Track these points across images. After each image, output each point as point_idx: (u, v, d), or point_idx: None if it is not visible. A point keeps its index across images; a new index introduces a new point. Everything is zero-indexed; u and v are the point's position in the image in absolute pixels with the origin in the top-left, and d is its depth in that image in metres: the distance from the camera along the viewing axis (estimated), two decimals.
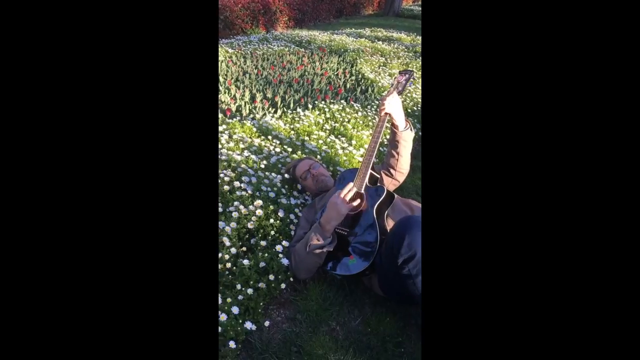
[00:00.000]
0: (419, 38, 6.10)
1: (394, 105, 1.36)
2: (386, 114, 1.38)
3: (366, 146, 2.15)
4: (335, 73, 3.67)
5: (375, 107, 2.80)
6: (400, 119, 1.39)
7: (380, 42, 5.40)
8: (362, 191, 1.27)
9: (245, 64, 3.72)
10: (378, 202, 1.25)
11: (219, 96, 2.73)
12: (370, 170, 1.30)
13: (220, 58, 3.90)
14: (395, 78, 1.52)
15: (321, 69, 3.70)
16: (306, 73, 3.57)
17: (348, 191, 1.22)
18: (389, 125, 1.47)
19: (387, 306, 1.26)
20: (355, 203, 1.25)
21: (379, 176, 1.40)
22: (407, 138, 1.41)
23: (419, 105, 2.95)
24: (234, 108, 2.63)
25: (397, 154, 1.43)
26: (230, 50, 4.24)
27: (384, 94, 3.13)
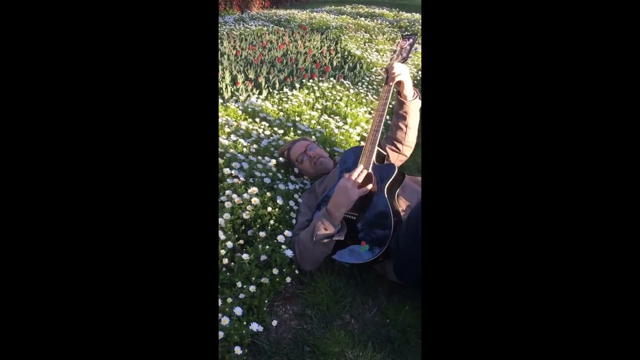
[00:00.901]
0: (402, 13, 5.94)
1: (403, 73, 1.24)
2: (390, 84, 1.25)
3: (363, 124, 2.04)
4: (320, 51, 3.49)
5: (366, 83, 2.66)
6: (409, 88, 1.26)
7: (363, 19, 5.20)
8: (370, 170, 1.15)
9: (222, 45, 3.48)
10: (389, 182, 1.13)
11: None
12: (377, 147, 1.17)
13: None
14: (397, 44, 1.38)
15: (304, 48, 3.51)
16: (289, 52, 3.38)
17: (359, 174, 1.09)
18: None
19: (403, 293, 1.16)
20: (369, 186, 1.12)
21: (385, 153, 1.28)
22: (415, 108, 1.30)
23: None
24: None
25: (405, 126, 1.31)
26: None
27: (373, 69, 2.99)
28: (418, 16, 5.47)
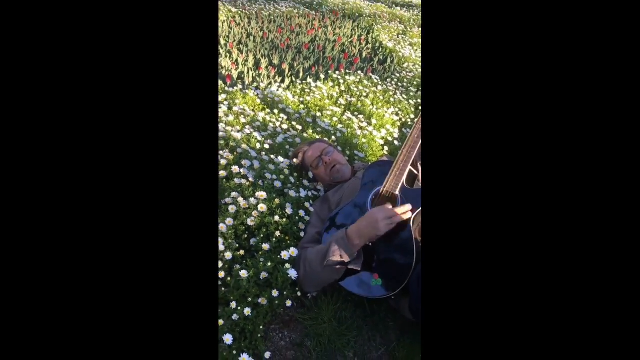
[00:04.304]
0: None
1: None
2: None
3: (389, 127, 1.86)
4: (350, 40, 3.29)
5: (396, 80, 2.47)
6: None
7: (399, 8, 4.93)
8: (397, 192, 1.00)
9: (249, 25, 3.33)
10: (418, 210, 0.97)
11: (219, 61, 2.39)
12: (409, 166, 1.01)
13: (222, 18, 3.49)
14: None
15: (334, 35, 3.32)
16: (317, 38, 3.20)
17: (401, 214, 0.94)
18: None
19: (418, 333, 1.02)
20: (400, 216, 0.94)
21: (417, 172, 1.11)
22: None
23: None
24: (235, 75, 2.30)
25: None
26: (233, 10, 3.82)
27: (405, 65, 2.78)
28: None
